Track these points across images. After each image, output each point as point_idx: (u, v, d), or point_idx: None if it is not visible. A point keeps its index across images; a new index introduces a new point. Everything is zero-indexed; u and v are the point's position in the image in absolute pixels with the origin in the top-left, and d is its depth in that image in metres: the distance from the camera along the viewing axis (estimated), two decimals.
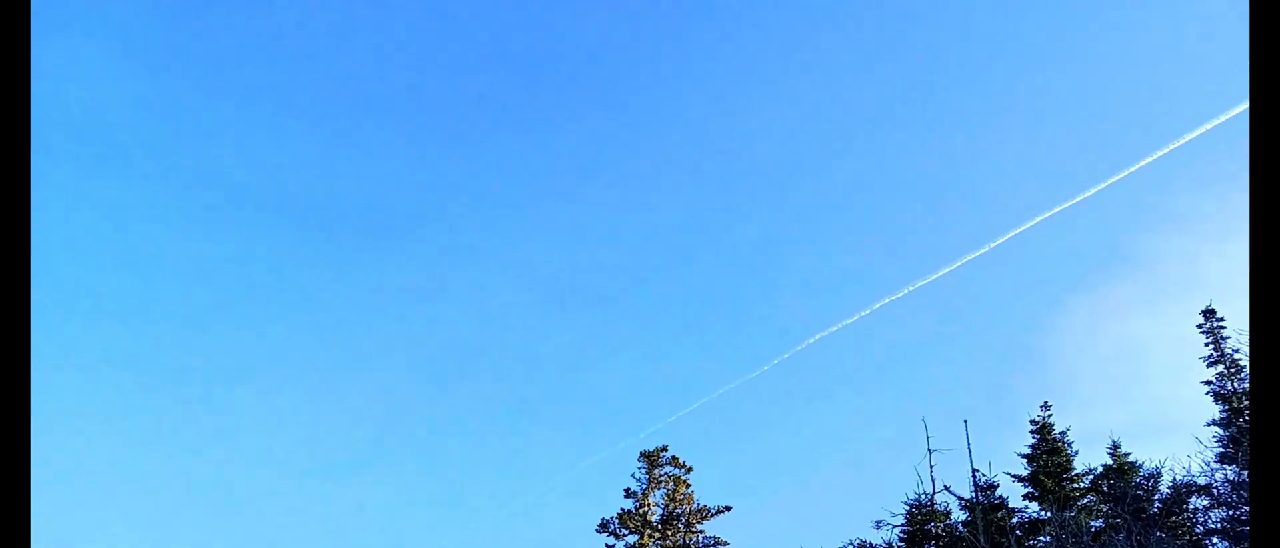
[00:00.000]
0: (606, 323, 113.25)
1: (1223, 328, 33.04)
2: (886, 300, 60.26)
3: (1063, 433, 34.22)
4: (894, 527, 31.60)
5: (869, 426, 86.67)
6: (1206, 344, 33.19)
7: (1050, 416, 34.70)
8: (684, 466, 44.46)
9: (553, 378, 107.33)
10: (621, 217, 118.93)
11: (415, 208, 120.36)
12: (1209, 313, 33.49)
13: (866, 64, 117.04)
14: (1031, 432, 34.61)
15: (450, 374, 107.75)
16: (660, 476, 44.11)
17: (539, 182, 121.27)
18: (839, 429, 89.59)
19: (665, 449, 44.69)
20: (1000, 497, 32.70)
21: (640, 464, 44.43)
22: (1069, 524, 27.78)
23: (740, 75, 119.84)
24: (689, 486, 43.97)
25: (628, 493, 43.74)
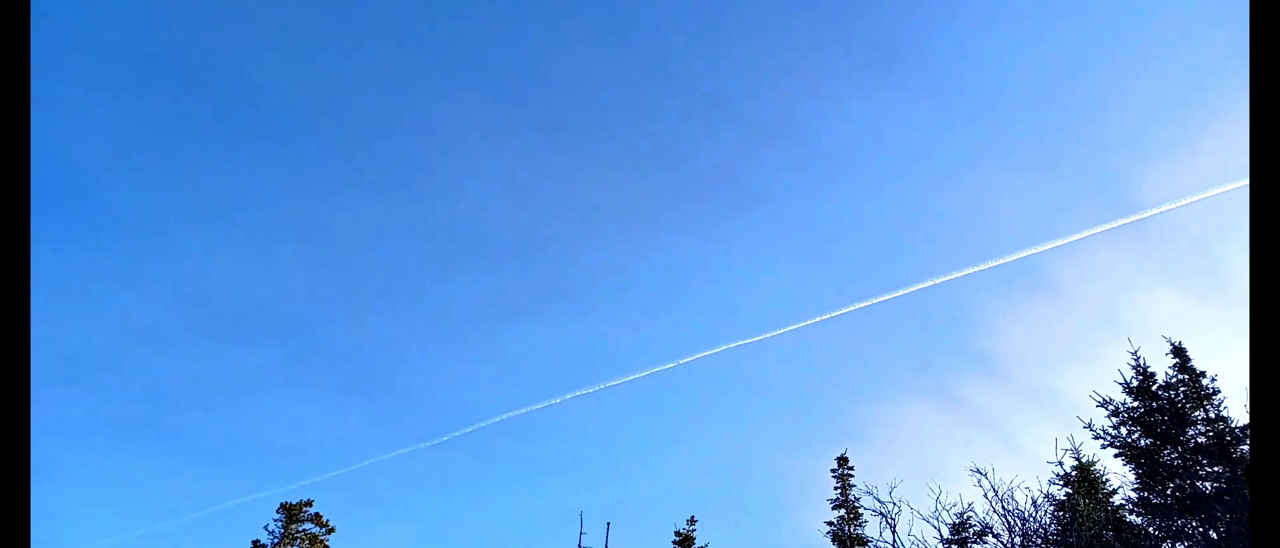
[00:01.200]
0: (272, 362, 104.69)
1: (851, 475, 36.41)
2: (578, 393, 62.14)
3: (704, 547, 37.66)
4: None
5: (537, 515, 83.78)
6: (835, 488, 36.43)
7: (694, 529, 37.63)
8: (326, 525, 41.65)
9: (196, 406, 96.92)
10: (315, 254, 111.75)
11: (72, 185, 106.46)
12: (842, 460, 36.87)
13: (627, 157, 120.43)
14: (675, 543, 37.41)
15: (71, 377, 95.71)
16: (298, 532, 41.10)
17: (224, 192, 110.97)
18: (505, 515, 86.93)
19: (309, 505, 41.86)
20: None
21: (278, 517, 41.25)
22: None
23: (488, 139, 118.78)
24: (327, 547, 41.31)
25: (256, 545, 40.20)
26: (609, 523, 31.62)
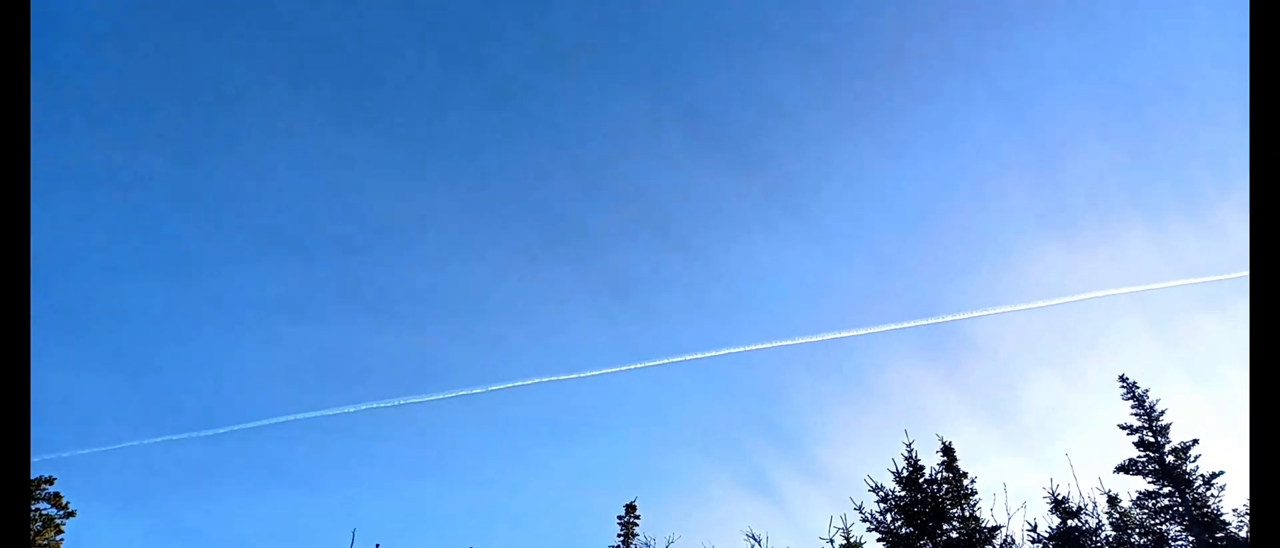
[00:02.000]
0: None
1: (636, 524, 37.29)
2: (368, 406, 61.75)
3: None
4: None
5: (306, 527, 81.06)
6: (619, 535, 37.32)
7: None
8: (66, 508, 36.54)
9: None
10: (95, 205, 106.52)
11: None
12: (630, 507, 37.84)
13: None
14: None
15: None
16: (30, 510, 36.00)
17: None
18: (271, 522, 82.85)
19: (51, 482, 36.47)
20: None
21: None
22: None
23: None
24: (61, 532, 35.89)
25: None
26: (378, 544, 31.65)
